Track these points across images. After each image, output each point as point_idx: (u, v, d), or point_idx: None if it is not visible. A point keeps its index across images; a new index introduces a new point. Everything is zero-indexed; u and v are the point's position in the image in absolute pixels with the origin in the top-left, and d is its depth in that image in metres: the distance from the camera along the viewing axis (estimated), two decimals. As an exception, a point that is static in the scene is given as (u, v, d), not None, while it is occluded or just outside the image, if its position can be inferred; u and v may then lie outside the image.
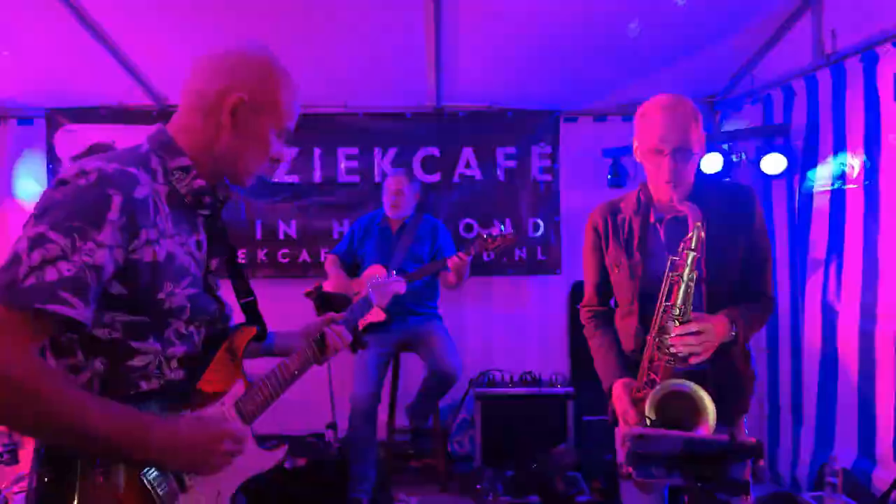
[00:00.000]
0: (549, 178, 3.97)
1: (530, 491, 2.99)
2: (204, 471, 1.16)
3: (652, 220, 1.80)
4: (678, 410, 1.55)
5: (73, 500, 1.03)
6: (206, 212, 1.23)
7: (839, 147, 2.84)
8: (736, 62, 3.59)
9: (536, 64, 3.57)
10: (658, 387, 1.58)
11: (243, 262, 3.91)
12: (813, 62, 2.98)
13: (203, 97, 1.17)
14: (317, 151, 3.95)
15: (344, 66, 3.54)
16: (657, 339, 1.64)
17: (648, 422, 1.54)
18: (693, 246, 1.58)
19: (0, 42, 3.22)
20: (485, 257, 3.44)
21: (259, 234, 3.93)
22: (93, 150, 4.12)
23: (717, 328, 1.61)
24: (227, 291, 1.39)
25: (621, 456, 1.84)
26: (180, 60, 4.15)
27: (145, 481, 1.09)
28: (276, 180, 3.93)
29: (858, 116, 2.70)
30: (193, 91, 1.19)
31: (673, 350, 1.60)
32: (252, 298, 1.37)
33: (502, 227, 3.76)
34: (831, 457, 2.57)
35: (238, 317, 1.41)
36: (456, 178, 3.96)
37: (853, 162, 2.74)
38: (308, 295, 3.02)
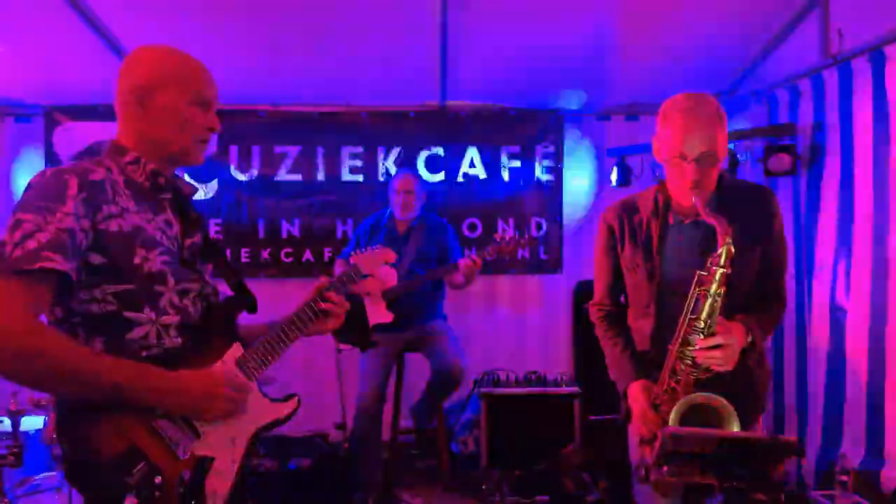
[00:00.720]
0: (552, 177, 3.97)
1: (539, 491, 2.98)
2: (207, 416, 1.26)
3: (671, 222, 1.76)
4: (702, 421, 1.53)
5: (90, 448, 1.14)
6: (167, 194, 1.35)
7: (846, 146, 2.84)
8: (741, 61, 3.59)
9: (540, 63, 3.56)
10: (683, 398, 1.56)
11: (247, 261, 3.88)
12: (819, 61, 2.99)
13: (119, 102, 1.34)
14: (320, 150, 3.92)
15: (346, 65, 3.52)
16: (680, 350, 1.62)
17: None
18: (722, 262, 1.54)
19: None
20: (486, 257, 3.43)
21: (262, 234, 3.90)
22: (91, 148, 4.10)
23: (738, 338, 1.60)
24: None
25: (636, 457, 1.83)
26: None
27: (155, 426, 1.20)
28: (279, 179, 3.91)
29: (866, 116, 2.70)
30: (116, 102, 1.36)
31: (697, 361, 1.58)
32: (238, 278, 1.47)
33: (515, 230, 3.77)
34: (841, 455, 2.58)
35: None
36: (460, 178, 3.95)
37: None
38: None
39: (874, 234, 2.68)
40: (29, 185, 1.21)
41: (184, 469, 1.22)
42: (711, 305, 1.56)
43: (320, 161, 3.93)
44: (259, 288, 3.65)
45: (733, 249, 1.55)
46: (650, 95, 3.93)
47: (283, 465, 3.08)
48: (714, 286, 1.55)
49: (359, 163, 3.94)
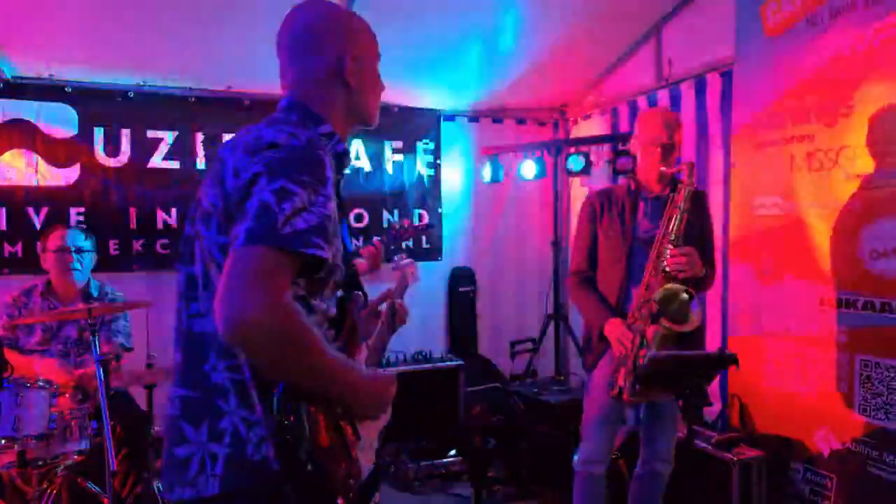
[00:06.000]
0: (432, 172, 4.29)
1: (447, 451, 3.30)
2: (377, 419, 1.21)
3: (639, 198, 2.38)
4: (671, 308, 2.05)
5: (313, 437, 1.07)
6: (340, 176, 1.25)
7: (675, 152, 3.58)
8: (587, 77, 4.25)
9: (423, 65, 3.84)
10: (660, 288, 2.08)
11: (115, 254, 3.61)
12: (654, 83, 3.71)
13: (321, 69, 1.23)
14: (198, 136, 3.78)
15: (229, 47, 3.36)
16: (655, 263, 2.13)
17: (652, 346, 1.98)
18: (687, 181, 2.11)
19: None
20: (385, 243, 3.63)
21: (133, 224, 3.65)
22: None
23: (697, 254, 2.15)
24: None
25: (601, 384, 2.27)
26: (45, 31, 3.59)
27: (341, 426, 1.15)
28: (153, 166, 3.70)
29: (690, 129, 3.44)
30: (309, 67, 1.24)
31: (667, 269, 2.09)
32: (355, 267, 1.35)
33: (400, 220, 3.99)
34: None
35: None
36: (346, 169, 4.07)
37: (686, 165, 3.48)
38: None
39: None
40: (275, 143, 1.08)
41: (354, 470, 1.17)
42: (680, 220, 2.11)
43: (199, 148, 3.79)
44: (130, 283, 3.45)
45: (694, 164, 2.17)
46: (511, 102, 4.45)
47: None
48: (682, 202, 2.10)
49: (242, 151, 3.87)
